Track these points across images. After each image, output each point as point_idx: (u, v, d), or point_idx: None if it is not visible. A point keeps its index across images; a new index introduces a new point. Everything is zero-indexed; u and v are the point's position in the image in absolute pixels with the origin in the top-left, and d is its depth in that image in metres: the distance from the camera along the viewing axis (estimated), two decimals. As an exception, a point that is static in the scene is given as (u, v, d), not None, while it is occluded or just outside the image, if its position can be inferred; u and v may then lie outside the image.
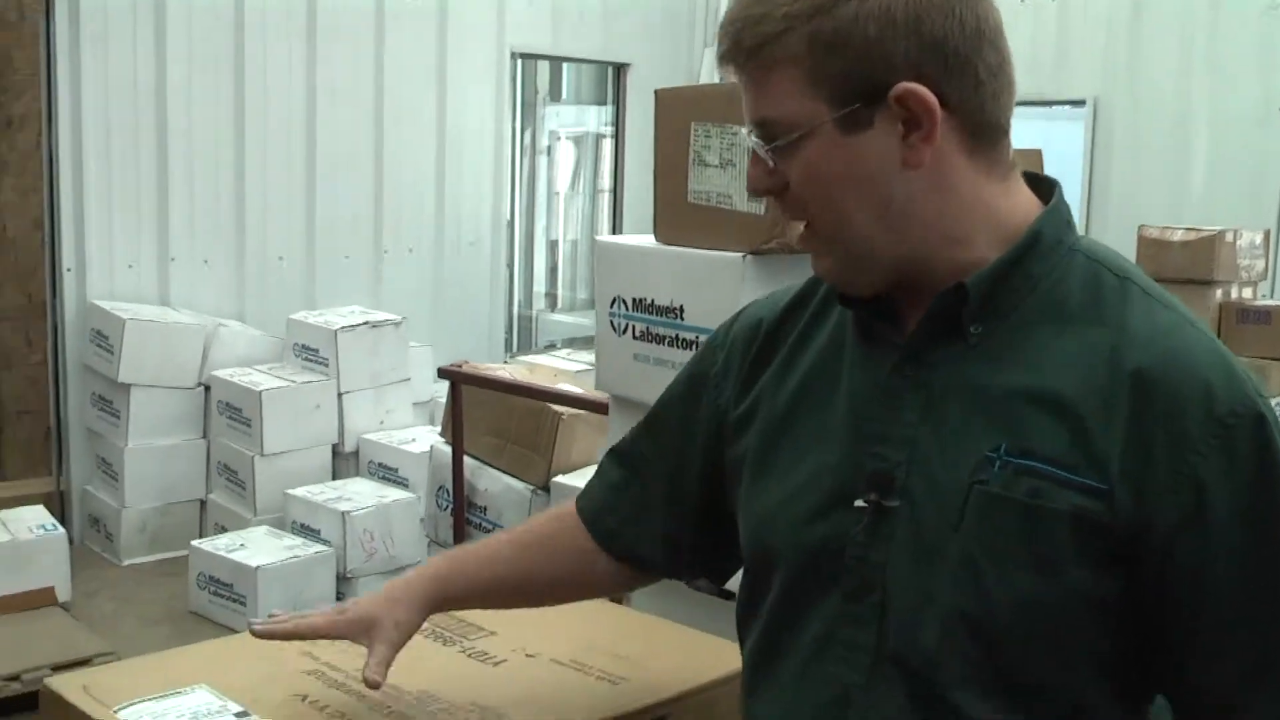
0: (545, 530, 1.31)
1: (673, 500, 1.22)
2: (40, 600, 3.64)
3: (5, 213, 4.72)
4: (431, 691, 1.26)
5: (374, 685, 1.17)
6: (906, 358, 1.01)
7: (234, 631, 3.77)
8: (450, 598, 1.26)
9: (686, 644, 1.44)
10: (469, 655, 1.36)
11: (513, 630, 1.44)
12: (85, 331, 4.45)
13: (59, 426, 4.57)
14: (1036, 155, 2.23)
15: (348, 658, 1.34)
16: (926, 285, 1.00)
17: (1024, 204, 1.02)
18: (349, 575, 3.81)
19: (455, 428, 3.41)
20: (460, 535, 3.31)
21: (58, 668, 3.30)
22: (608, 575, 1.28)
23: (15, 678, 3.26)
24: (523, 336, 6.38)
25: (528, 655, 1.37)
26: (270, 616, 1.24)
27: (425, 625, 1.41)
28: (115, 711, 1.20)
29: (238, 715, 1.19)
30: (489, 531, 3.22)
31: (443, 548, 3.37)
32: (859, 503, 1.00)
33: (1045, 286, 0.99)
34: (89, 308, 4.47)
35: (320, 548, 3.74)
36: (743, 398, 1.13)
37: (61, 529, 3.73)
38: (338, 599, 3.73)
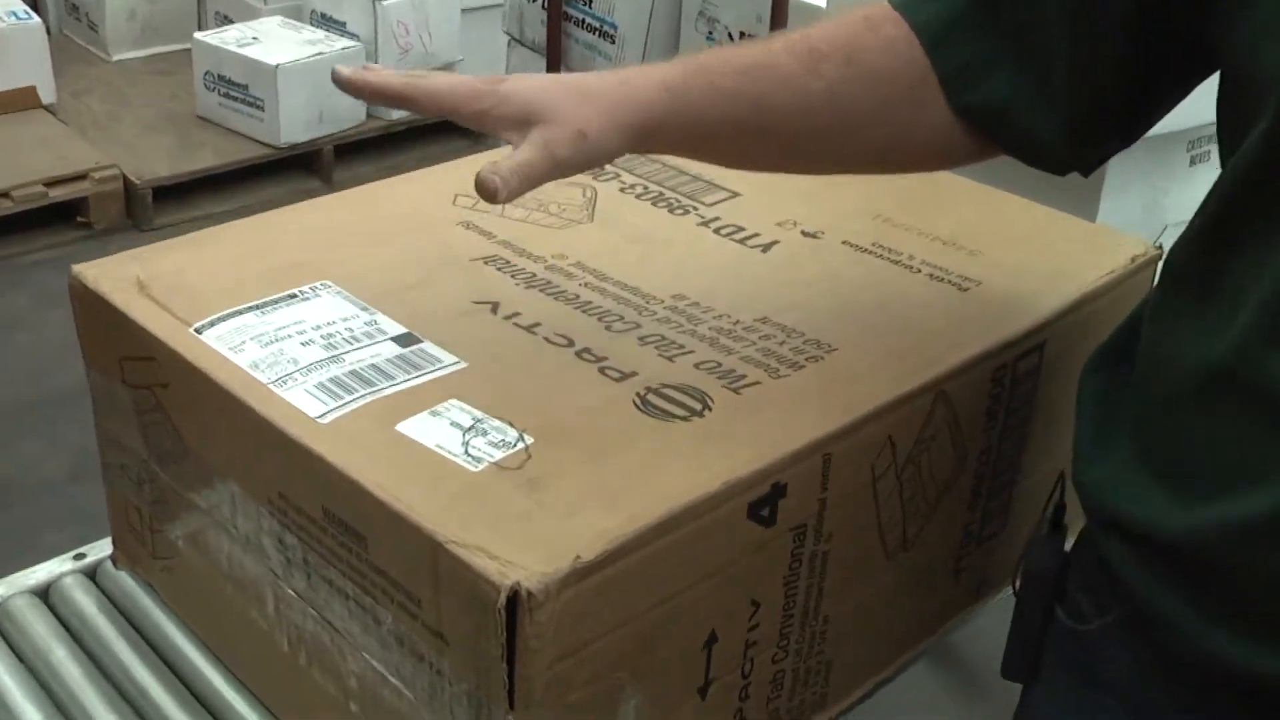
0: (845, 44, 0.72)
1: (1079, 17, 0.69)
2: (21, 102, 3.10)
3: None
4: (684, 293, 0.79)
5: (489, 192, 0.65)
6: None
7: (252, 142, 3.26)
8: (665, 137, 0.71)
9: (1035, 222, 0.96)
10: (719, 232, 0.88)
11: (761, 189, 0.95)
12: None
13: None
14: None
15: (542, 232, 0.86)
16: None
17: None
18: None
19: None
20: (556, 30, 2.68)
21: (52, 183, 2.83)
22: (931, 141, 0.73)
23: (5, 194, 2.78)
24: None
25: (806, 234, 0.89)
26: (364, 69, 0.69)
27: (626, 176, 0.93)
28: (198, 330, 0.73)
29: (401, 340, 0.72)
30: (601, 34, 2.59)
31: (528, 50, 2.77)
32: None
33: None
34: None
35: (348, 43, 3.14)
36: None
37: (36, 16, 3.13)
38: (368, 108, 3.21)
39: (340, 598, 0.66)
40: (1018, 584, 0.79)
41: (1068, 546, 0.77)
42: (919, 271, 0.85)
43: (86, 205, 2.88)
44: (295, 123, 3.06)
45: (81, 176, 2.87)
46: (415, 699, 0.64)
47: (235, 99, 3.10)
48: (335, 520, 0.64)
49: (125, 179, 2.92)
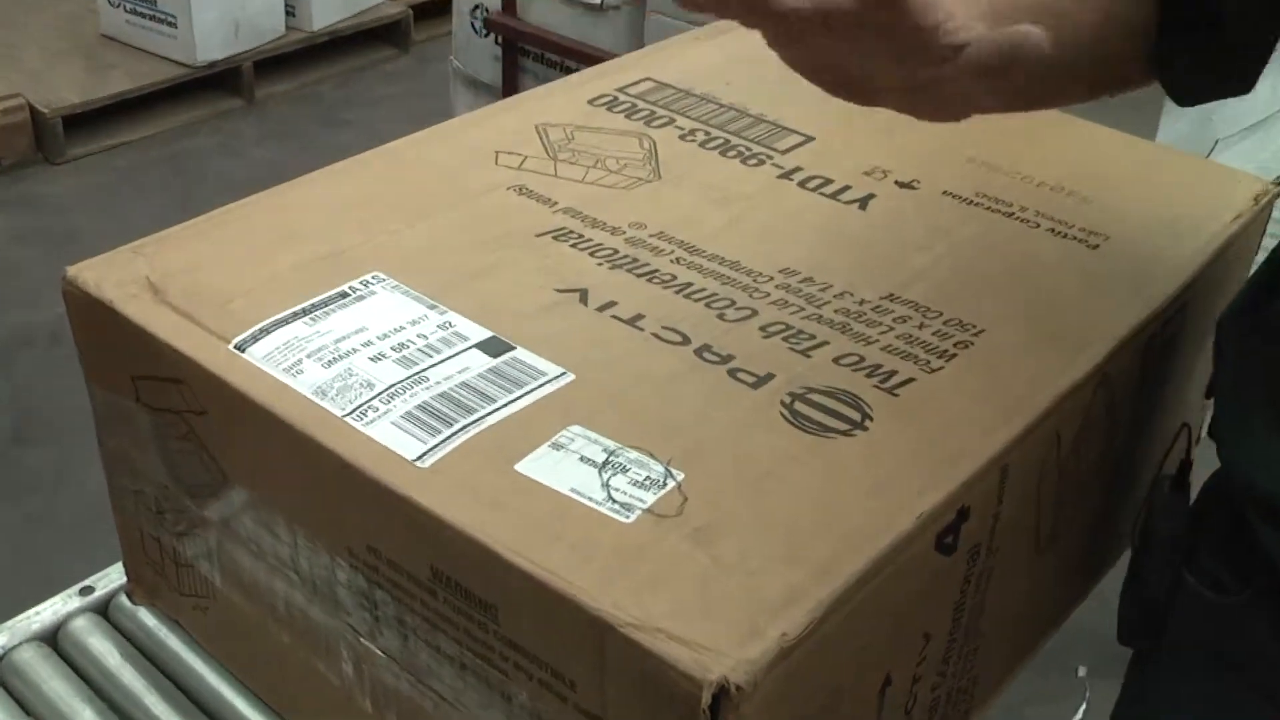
0: None
1: None
2: (-96, 27, 2.86)
3: None
4: (791, 266, 0.69)
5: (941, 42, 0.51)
6: None
7: (166, 62, 3.01)
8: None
9: (1139, 160, 0.86)
10: (805, 186, 0.77)
11: (832, 130, 0.84)
12: None
13: None
14: None
15: (607, 194, 0.74)
16: None
17: None
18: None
19: None
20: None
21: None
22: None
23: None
24: None
25: (900, 185, 0.78)
26: None
27: (683, 121, 0.83)
28: (239, 347, 0.61)
29: (489, 348, 0.61)
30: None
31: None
32: None
33: None
34: None
35: (258, -48, 2.94)
36: None
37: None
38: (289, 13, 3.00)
39: (452, 666, 0.56)
40: (1135, 543, 0.72)
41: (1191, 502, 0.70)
42: (1038, 226, 0.75)
43: (-10, 139, 2.67)
44: (211, 39, 2.86)
45: (-19, 110, 2.65)
46: (554, 784, 0.54)
47: (144, 15, 2.88)
48: (450, 584, 0.53)
49: (31, 108, 2.70)
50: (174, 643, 0.74)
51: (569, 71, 2.08)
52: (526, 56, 2.27)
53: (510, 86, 2.25)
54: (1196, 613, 0.66)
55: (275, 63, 3.03)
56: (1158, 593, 0.69)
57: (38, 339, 2.26)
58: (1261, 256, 0.69)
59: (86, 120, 2.76)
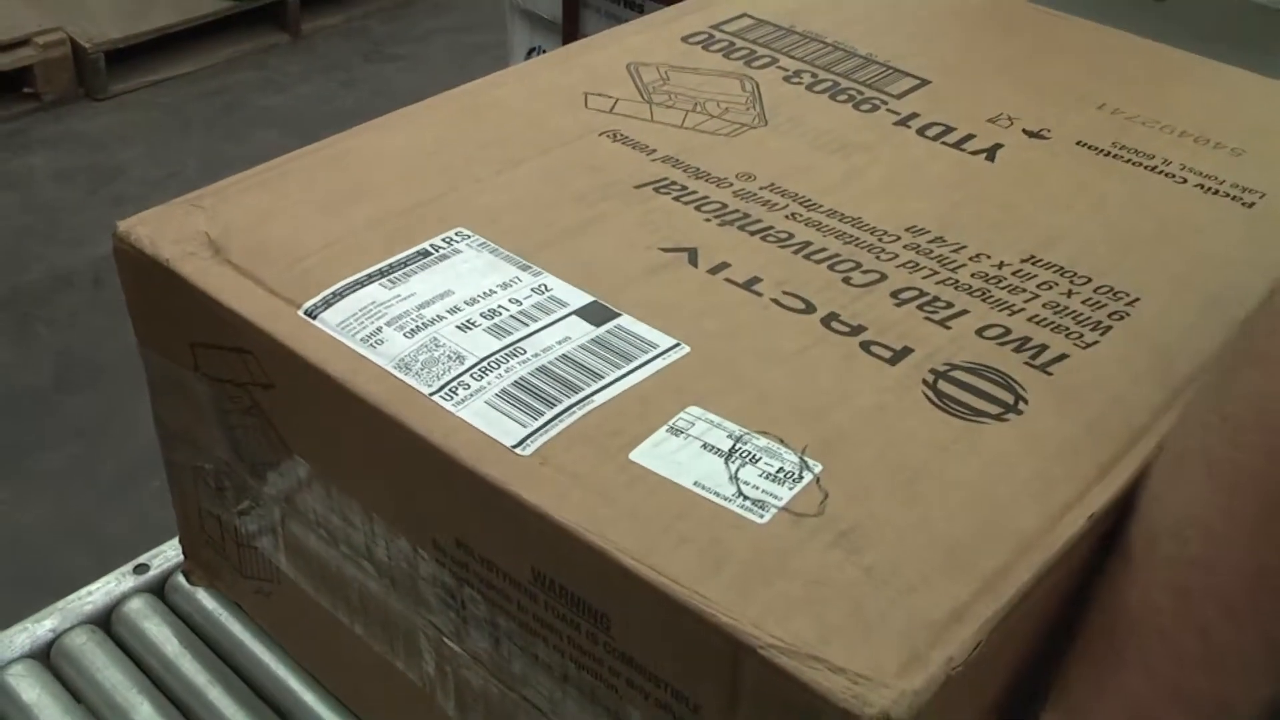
0: None
1: None
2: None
3: None
4: (919, 224, 0.62)
5: None
6: None
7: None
8: None
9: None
10: (925, 134, 0.70)
11: (950, 72, 0.76)
12: None
13: None
14: None
15: (709, 141, 0.67)
16: None
17: None
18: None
19: None
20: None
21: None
22: None
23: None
24: None
25: (1029, 134, 0.71)
26: None
27: (786, 61, 0.76)
28: (310, 314, 0.54)
29: (591, 314, 0.54)
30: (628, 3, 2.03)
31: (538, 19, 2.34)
32: None
33: None
34: None
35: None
36: None
37: None
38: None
39: (551, 676, 0.50)
40: None
41: None
42: (1184, 181, 0.67)
43: (33, 74, 2.60)
44: (256, -28, 2.78)
45: (24, 42, 2.59)
46: (668, 811, 0.48)
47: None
48: (553, 588, 0.47)
49: (73, 43, 2.64)
50: (236, 629, 0.69)
51: (635, 9, 1.99)
52: (589, -11, 2.16)
53: (572, 23, 2.14)
54: None
55: (322, -6, 2.96)
56: None
57: (80, 281, 2.21)
58: None
59: (129, 55, 2.70)
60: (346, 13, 2.99)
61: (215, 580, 0.70)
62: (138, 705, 0.65)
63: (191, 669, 0.67)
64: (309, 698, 0.65)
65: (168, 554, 0.73)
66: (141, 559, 0.73)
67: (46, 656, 0.68)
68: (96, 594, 0.71)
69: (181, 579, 0.71)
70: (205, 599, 0.70)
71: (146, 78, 2.71)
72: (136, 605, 0.70)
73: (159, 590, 0.72)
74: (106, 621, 0.70)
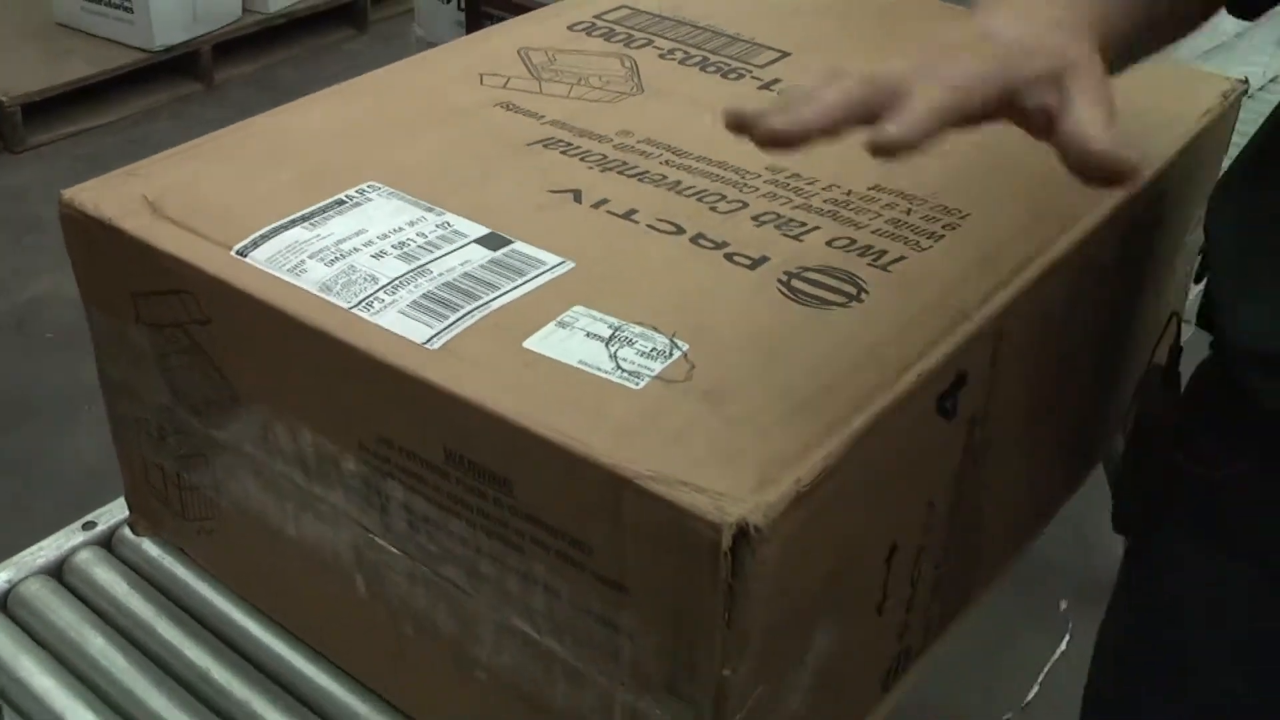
0: None
1: None
2: None
3: None
4: (778, 165, 0.70)
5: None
6: None
7: (124, 47, 2.98)
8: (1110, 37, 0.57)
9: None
10: (785, 94, 0.78)
11: (807, 45, 0.85)
12: None
13: None
14: None
15: (592, 107, 0.75)
16: None
17: None
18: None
19: None
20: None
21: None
22: None
23: None
24: None
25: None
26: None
27: (661, 42, 0.84)
28: (241, 253, 0.61)
29: (487, 242, 0.62)
30: None
31: None
32: None
33: None
34: None
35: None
36: None
37: None
38: None
39: (467, 550, 0.57)
40: (1128, 427, 0.73)
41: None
42: (1016, 121, 0.76)
43: (-51, 130, 2.64)
44: (169, 23, 2.84)
45: (-60, 100, 2.63)
46: (574, 657, 0.55)
47: (99, 1, 2.86)
48: (463, 463, 0.54)
49: (-11, 97, 2.68)
50: (181, 571, 0.75)
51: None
52: (490, 20, 2.26)
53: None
54: (1191, 492, 0.68)
55: (233, 46, 3.01)
56: (1151, 479, 0.71)
57: (3, 326, 2.24)
58: (1233, 152, 0.70)
59: (45, 108, 2.74)
60: (259, 61, 3.06)
61: (159, 529, 0.76)
62: (91, 639, 0.70)
63: (141, 607, 0.73)
64: (252, 626, 0.71)
65: (114, 512, 0.79)
66: (89, 516, 0.78)
67: (4, 606, 0.74)
68: (47, 549, 0.76)
69: (128, 531, 0.77)
70: (150, 548, 0.76)
71: (64, 129, 2.75)
72: (86, 556, 0.76)
73: (107, 544, 0.78)
74: (58, 573, 0.76)
